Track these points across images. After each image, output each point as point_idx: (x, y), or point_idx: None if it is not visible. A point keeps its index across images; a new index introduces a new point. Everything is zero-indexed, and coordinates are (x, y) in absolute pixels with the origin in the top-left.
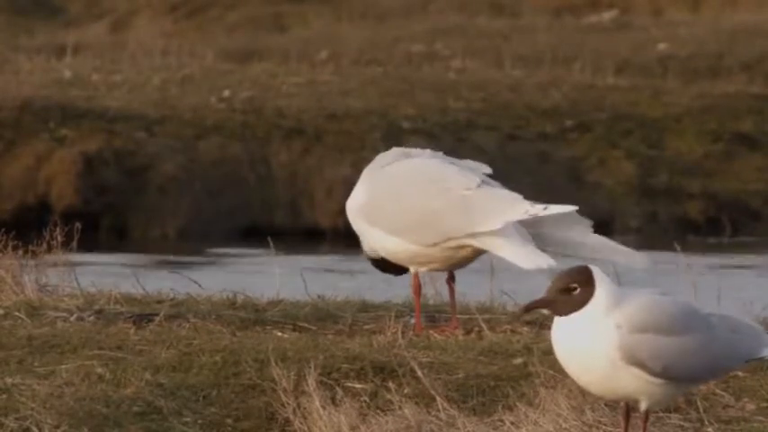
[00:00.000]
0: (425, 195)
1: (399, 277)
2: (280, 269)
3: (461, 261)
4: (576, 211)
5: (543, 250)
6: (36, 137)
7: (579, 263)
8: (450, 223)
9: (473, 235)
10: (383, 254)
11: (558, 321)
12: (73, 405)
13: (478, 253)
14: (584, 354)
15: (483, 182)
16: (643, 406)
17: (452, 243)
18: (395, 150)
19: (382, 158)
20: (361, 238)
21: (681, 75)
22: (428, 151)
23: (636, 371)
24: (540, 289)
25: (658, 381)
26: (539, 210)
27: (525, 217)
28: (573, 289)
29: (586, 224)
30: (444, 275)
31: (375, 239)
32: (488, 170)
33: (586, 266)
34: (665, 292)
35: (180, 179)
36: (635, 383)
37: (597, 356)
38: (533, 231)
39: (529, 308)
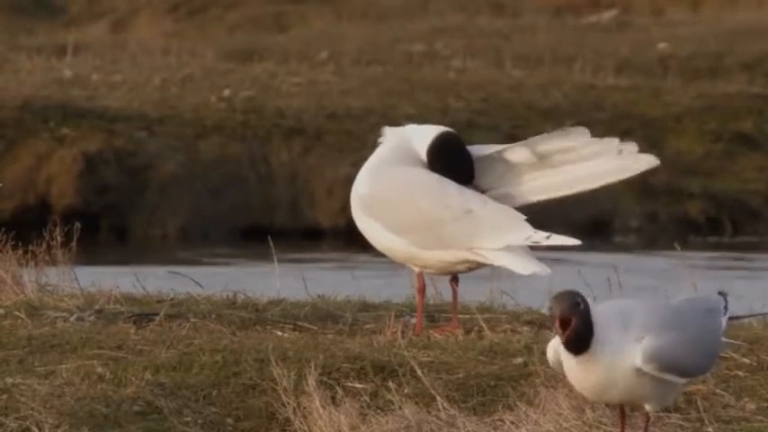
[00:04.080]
0: (429, 203)
1: (399, 277)
2: (280, 269)
3: (457, 271)
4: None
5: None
6: (36, 136)
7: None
8: (451, 235)
9: (472, 249)
10: (378, 248)
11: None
12: (73, 405)
13: (474, 267)
14: (610, 374)
15: (484, 201)
16: (648, 407)
17: (449, 253)
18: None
19: (397, 149)
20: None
21: (681, 74)
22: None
23: (658, 375)
24: (539, 289)
25: (678, 380)
26: (541, 237)
27: (527, 243)
28: (578, 304)
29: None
30: (443, 276)
31: (371, 233)
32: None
33: (570, 290)
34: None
35: (180, 179)
36: (653, 388)
37: (623, 373)
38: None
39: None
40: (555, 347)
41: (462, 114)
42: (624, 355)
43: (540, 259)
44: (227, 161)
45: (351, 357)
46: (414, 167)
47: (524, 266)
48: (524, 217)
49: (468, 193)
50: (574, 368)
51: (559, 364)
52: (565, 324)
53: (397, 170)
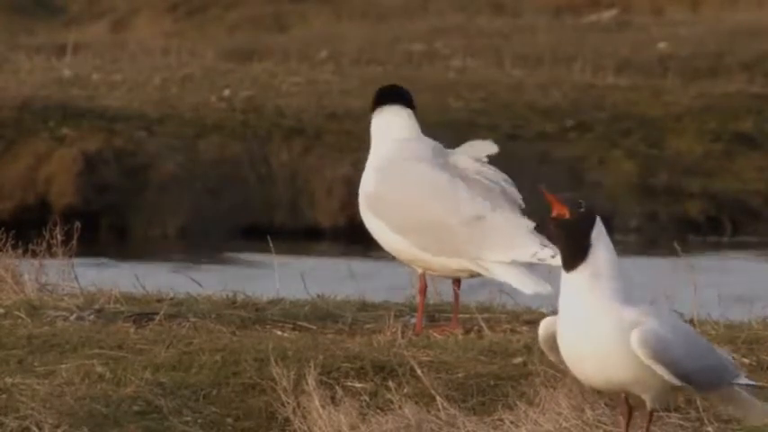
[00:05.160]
0: (437, 208)
1: (399, 277)
2: (280, 268)
3: (459, 276)
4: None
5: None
6: (36, 136)
7: None
8: (457, 242)
9: (476, 259)
10: (385, 247)
11: (572, 324)
12: (73, 404)
13: (476, 274)
14: (606, 352)
15: (493, 208)
16: (648, 405)
17: (454, 260)
18: (432, 144)
19: (406, 148)
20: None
21: (681, 74)
22: (466, 158)
23: (647, 362)
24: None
25: (663, 372)
26: (546, 255)
27: (532, 261)
28: (579, 205)
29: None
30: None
31: (378, 233)
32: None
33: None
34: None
35: (180, 178)
36: (653, 380)
37: (621, 354)
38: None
39: (549, 196)
40: (546, 323)
41: (462, 114)
42: (620, 312)
43: (541, 259)
44: (227, 161)
45: (350, 357)
46: (422, 164)
47: (527, 285)
48: (533, 225)
49: (478, 198)
50: (564, 304)
51: (549, 339)
52: (563, 208)
53: (405, 168)
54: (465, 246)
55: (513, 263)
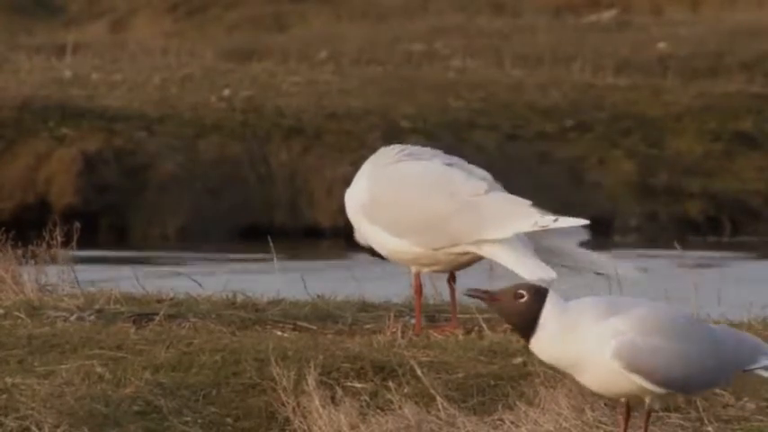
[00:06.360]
0: (432, 199)
1: (400, 277)
2: (280, 269)
3: (465, 264)
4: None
5: (547, 262)
6: (36, 136)
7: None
8: (457, 228)
9: (479, 242)
10: (384, 253)
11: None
12: (73, 404)
13: (482, 257)
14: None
15: (491, 187)
16: (647, 406)
17: (457, 248)
18: (398, 147)
19: (385, 154)
20: (358, 231)
21: (681, 74)
22: (429, 149)
23: (634, 377)
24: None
25: (658, 389)
26: (548, 221)
27: (534, 228)
28: (520, 296)
29: (579, 236)
30: (445, 275)
31: (376, 239)
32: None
33: (545, 288)
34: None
35: (180, 178)
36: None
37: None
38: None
39: (472, 293)
40: None
41: (462, 114)
42: (595, 327)
43: (543, 226)
44: (227, 161)
45: (350, 357)
46: (410, 160)
47: (531, 271)
48: (530, 202)
49: (473, 180)
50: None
51: None
52: (494, 297)
53: (390, 171)
54: (466, 230)
55: (515, 244)
